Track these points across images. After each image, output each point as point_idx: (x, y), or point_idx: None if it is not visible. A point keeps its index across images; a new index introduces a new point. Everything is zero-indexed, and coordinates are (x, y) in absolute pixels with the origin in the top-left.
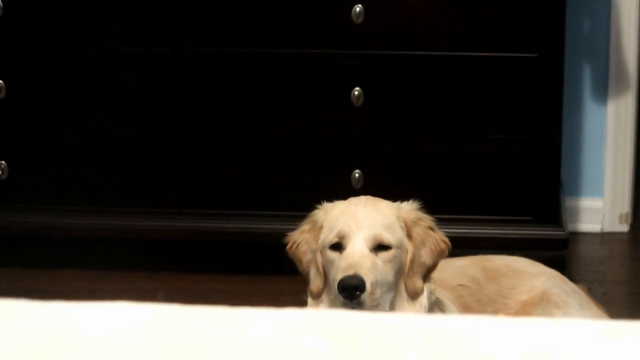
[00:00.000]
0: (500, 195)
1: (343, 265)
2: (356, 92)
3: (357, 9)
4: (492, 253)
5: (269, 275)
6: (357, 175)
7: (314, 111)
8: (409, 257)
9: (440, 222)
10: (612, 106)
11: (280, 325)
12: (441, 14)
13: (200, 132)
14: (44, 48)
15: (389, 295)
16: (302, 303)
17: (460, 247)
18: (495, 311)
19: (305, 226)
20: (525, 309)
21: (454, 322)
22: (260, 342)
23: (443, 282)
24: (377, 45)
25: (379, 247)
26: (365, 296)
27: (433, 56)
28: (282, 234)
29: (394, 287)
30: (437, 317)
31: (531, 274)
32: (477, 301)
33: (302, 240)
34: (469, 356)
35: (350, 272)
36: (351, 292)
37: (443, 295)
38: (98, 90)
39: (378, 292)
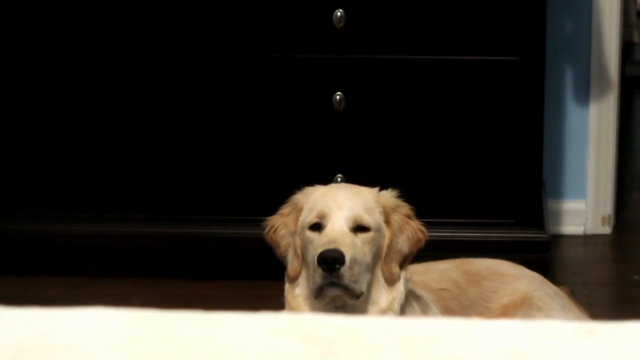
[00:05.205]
0: (482, 198)
1: (323, 241)
2: (338, 97)
3: (339, 14)
4: (474, 256)
5: (252, 280)
6: (339, 179)
7: (296, 116)
8: (386, 242)
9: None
10: (594, 108)
11: (256, 329)
12: (422, 18)
13: (180, 138)
14: (35, 48)
15: (367, 277)
16: (283, 307)
17: (442, 250)
18: (478, 315)
19: (285, 209)
20: (507, 312)
21: (429, 325)
22: (235, 346)
23: (425, 285)
24: (359, 50)
25: (358, 228)
26: (344, 270)
27: (414, 60)
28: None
29: (371, 269)
30: (412, 320)
31: (513, 277)
32: (459, 305)
33: (280, 223)
34: (444, 359)
35: (331, 247)
36: (331, 265)
37: (427, 296)
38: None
39: (356, 269)
